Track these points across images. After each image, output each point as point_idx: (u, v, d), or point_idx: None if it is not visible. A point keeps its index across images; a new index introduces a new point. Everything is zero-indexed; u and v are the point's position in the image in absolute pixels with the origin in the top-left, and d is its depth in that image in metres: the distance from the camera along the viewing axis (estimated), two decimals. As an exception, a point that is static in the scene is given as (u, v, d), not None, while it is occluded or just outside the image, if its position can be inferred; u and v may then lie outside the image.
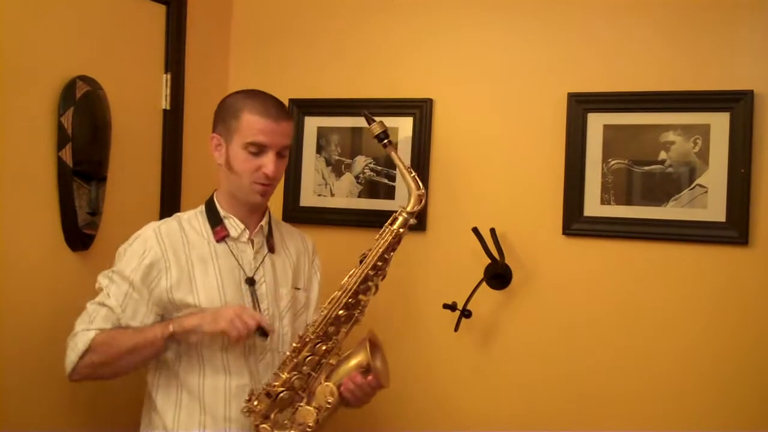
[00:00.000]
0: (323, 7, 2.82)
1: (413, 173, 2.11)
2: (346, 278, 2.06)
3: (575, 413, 2.50)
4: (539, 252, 2.54)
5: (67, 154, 2.16)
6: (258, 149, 2.00)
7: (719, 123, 2.33)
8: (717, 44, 2.37)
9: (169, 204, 2.58)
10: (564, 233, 2.50)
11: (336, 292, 2.04)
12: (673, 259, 2.40)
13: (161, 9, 2.57)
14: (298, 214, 2.77)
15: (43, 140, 2.13)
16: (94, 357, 1.91)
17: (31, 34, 2.08)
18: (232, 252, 2.06)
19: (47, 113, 2.14)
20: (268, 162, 2.01)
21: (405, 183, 2.11)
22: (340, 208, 2.76)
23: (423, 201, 2.09)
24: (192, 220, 2.09)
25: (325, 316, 2.02)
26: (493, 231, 2.52)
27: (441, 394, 2.64)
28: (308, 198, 2.79)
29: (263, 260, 2.11)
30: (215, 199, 2.11)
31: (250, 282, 2.06)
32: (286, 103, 2.74)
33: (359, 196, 2.74)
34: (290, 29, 2.85)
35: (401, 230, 2.08)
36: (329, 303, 2.03)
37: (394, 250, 2.09)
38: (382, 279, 2.08)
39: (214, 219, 2.08)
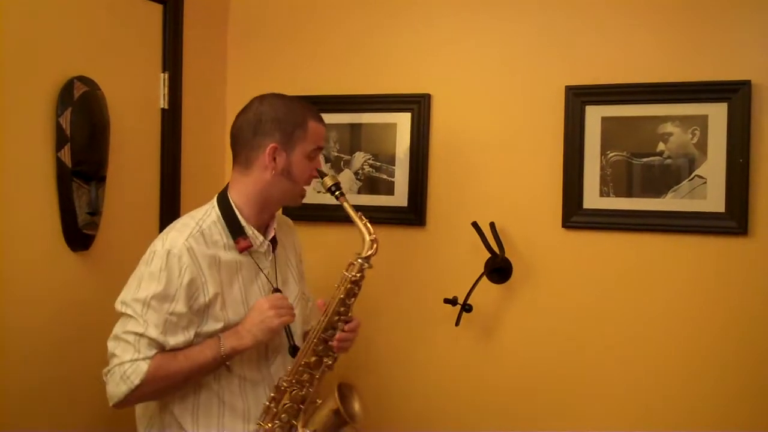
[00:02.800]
0: (320, 4, 2.82)
1: (364, 220, 2.11)
2: (313, 322, 2.14)
3: (577, 405, 2.51)
4: (539, 245, 2.54)
5: (65, 155, 2.16)
6: (318, 154, 2.10)
7: (717, 113, 2.33)
8: (714, 35, 2.37)
9: (169, 203, 2.59)
10: (563, 226, 2.50)
11: (303, 344, 2.07)
12: (673, 250, 2.40)
13: (158, 8, 2.57)
14: (298, 211, 2.77)
15: (41, 141, 2.13)
16: (147, 389, 1.86)
17: (28, 35, 2.08)
18: (254, 262, 2.06)
19: (45, 114, 2.13)
20: (320, 162, 2.14)
21: (358, 230, 2.10)
22: (339, 204, 2.76)
23: (375, 246, 2.08)
24: (212, 228, 2.01)
25: (297, 364, 2.03)
26: (492, 225, 2.52)
27: (442, 388, 2.65)
28: (308, 195, 2.77)
29: (275, 262, 2.13)
30: (233, 204, 2.04)
31: (278, 291, 2.09)
32: (284, 100, 2.77)
33: (359, 192, 2.75)
34: (287, 27, 2.85)
35: (358, 275, 2.06)
36: (299, 352, 2.06)
37: (355, 295, 2.09)
38: (347, 324, 2.09)
39: (236, 228, 2.02)
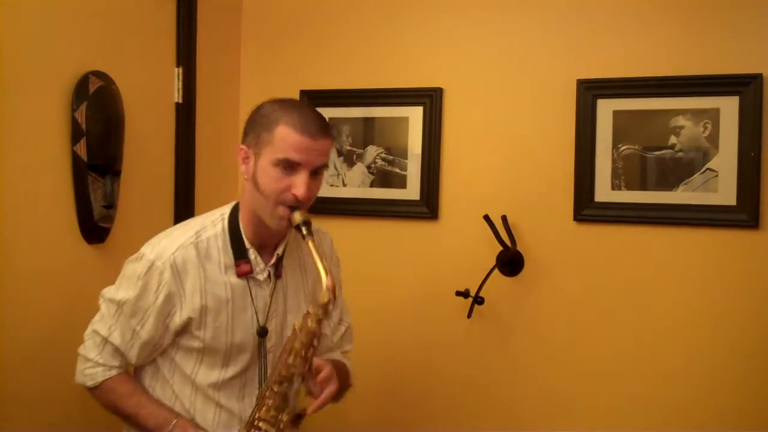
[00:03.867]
0: (333, -1, 2.84)
1: (324, 263, 1.81)
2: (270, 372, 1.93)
3: (588, 398, 2.52)
4: (550, 238, 2.56)
5: (81, 149, 2.18)
6: (289, 167, 1.79)
7: (729, 107, 2.34)
8: (726, 29, 2.38)
9: (183, 196, 2.61)
10: (575, 219, 2.52)
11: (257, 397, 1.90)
12: (685, 243, 2.42)
13: (172, 3, 2.59)
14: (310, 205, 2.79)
15: (57, 135, 2.15)
16: (100, 398, 1.90)
17: (43, 31, 2.10)
18: (248, 291, 1.91)
19: (61, 109, 2.16)
20: (300, 182, 1.78)
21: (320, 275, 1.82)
22: (353, 197, 2.78)
23: (332, 293, 1.79)
24: (211, 243, 1.89)
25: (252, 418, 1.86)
26: (504, 218, 2.54)
27: (454, 380, 2.67)
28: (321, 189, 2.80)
29: (274, 290, 1.95)
30: (240, 221, 1.91)
31: (262, 333, 1.92)
32: (297, 95, 2.79)
33: (371, 186, 2.76)
34: (300, 21, 2.87)
35: (314, 326, 1.81)
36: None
37: (314, 348, 1.83)
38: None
39: (239, 249, 1.89)
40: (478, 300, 2.55)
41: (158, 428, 1.84)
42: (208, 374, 1.91)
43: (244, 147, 1.87)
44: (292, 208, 1.80)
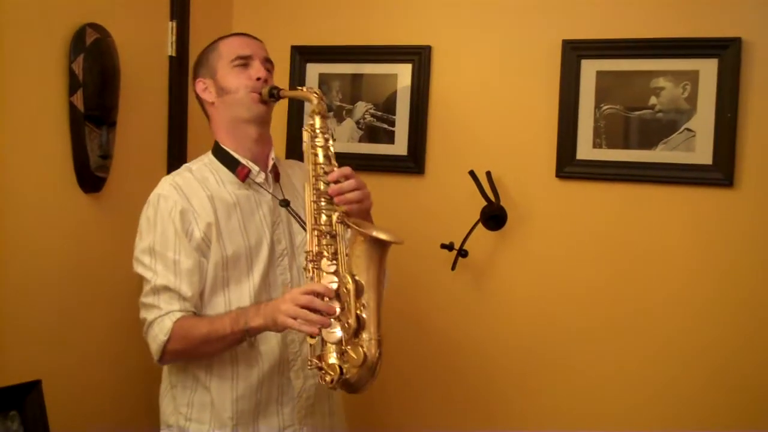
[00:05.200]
0: (324, -46, 2.87)
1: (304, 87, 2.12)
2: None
3: (564, 347, 2.61)
4: (533, 194, 2.63)
5: (78, 100, 2.22)
6: (244, 61, 2.06)
7: (708, 69, 2.40)
8: (708, -8, 2.43)
9: (176, 147, 2.66)
10: (557, 176, 2.58)
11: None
12: (662, 200, 2.49)
13: (165, -44, 2.63)
14: (299, 159, 2.84)
15: (55, 86, 2.19)
16: (175, 345, 1.93)
17: (41, -17, 2.14)
18: (252, 197, 2.06)
19: (58, 60, 2.19)
20: (256, 67, 2.07)
21: (304, 98, 2.14)
22: (342, 152, 2.78)
23: (318, 94, 2.04)
24: (203, 170, 2.07)
25: (309, 234, 1.95)
26: (489, 174, 2.60)
27: (438, 328, 2.75)
28: (342, 145, 2.85)
29: (281, 192, 2.11)
30: (222, 146, 2.09)
31: (285, 203, 2.07)
32: (288, 50, 2.84)
33: (360, 141, 2.82)
34: (292, -24, 2.90)
35: (319, 131, 2.01)
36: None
37: (327, 150, 2.01)
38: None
39: (230, 162, 2.07)
40: (462, 253, 2.63)
41: (235, 325, 1.90)
42: (239, 291, 2.01)
43: (200, 80, 2.13)
44: (260, 93, 2.05)
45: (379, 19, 2.79)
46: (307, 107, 2.80)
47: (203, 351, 1.97)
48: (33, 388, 2.02)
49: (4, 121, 2.04)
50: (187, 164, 2.14)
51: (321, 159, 1.98)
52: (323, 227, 1.93)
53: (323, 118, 2.03)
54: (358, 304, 1.87)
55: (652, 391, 2.52)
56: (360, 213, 1.99)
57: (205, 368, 2.02)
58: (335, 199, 1.93)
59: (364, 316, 1.87)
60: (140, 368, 2.40)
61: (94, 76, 2.24)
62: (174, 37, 2.65)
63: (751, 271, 2.41)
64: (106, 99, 2.30)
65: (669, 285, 2.50)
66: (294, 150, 2.84)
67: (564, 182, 2.59)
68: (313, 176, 1.97)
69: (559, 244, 2.61)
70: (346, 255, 1.92)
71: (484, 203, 2.60)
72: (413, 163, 2.75)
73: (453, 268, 2.64)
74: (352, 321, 1.85)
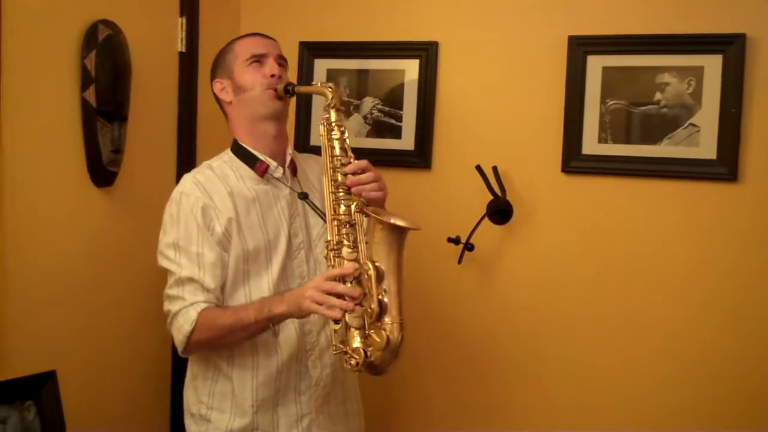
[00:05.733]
0: (332, -50, 2.89)
1: (319, 82, 2.16)
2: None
3: (569, 340, 2.64)
4: (539, 189, 2.65)
5: (90, 95, 2.25)
6: (258, 59, 2.12)
7: (712, 65, 2.42)
8: (713, -12, 2.45)
9: (186, 141, 2.69)
10: (563, 171, 2.61)
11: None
12: (667, 195, 2.51)
13: (175, -47, 2.65)
14: (308, 151, 2.87)
15: (68, 81, 2.23)
16: (200, 336, 1.97)
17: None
18: (270, 190, 2.12)
19: (71, 56, 2.23)
20: (272, 65, 2.12)
21: (320, 94, 2.14)
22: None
23: (333, 90, 2.09)
24: (223, 167, 2.13)
25: (330, 225, 2.01)
26: (495, 169, 2.63)
27: (445, 321, 2.78)
28: (318, 138, 2.87)
29: (299, 186, 2.17)
30: (241, 143, 2.15)
31: (304, 196, 2.14)
32: (297, 45, 2.87)
33: (367, 136, 2.85)
34: (300, -27, 2.92)
35: (334, 123, 2.08)
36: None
37: (344, 141, 2.07)
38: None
39: (249, 158, 2.12)
40: (469, 246, 2.65)
41: (259, 314, 1.95)
42: (259, 284, 2.06)
43: (217, 80, 2.19)
44: (276, 89, 2.11)
45: (386, 15, 2.81)
46: (316, 101, 2.87)
47: (227, 341, 2.02)
48: (48, 378, 2.06)
49: (19, 116, 2.07)
50: (207, 162, 2.18)
51: (338, 151, 2.05)
52: (343, 217, 2.00)
53: (338, 111, 2.09)
54: (379, 289, 1.93)
55: (657, 381, 2.54)
56: (377, 203, 2.06)
57: (227, 358, 2.08)
58: (353, 190, 2.00)
59: (385, 300, 1.94)
60: (155, 360, 2.44)
61: (106, 71, 2.28)
62: (184, 33, 2.68)
63: (755, 263, 2.43)
64: (117, 94, 2.33)
65: (673, 278, 2.52)
66: (302, 143, 2.88)
67: (570, 177, 2.61)
68: (330, 168, 2.04)
69: (564, 238, 2.63)
70: (366, 242, 1.98)
71: (491, 197, 2.62)
72: (420, 157, 2.77)
73: (459, 261, 2.67)
74: (374, 306, 1.92)
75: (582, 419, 2.63)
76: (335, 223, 2.00)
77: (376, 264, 1.95)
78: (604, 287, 2.59)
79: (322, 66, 2.88)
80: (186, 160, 2.66)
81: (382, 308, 1.94)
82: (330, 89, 2.09)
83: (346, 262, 1.96)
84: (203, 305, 1.99)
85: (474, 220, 2.63)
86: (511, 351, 2.71)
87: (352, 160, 2.05)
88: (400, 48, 2.78)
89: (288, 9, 2.93)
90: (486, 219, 2.63)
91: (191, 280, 2.00)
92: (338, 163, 2.03)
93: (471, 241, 2.65)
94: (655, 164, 2.50)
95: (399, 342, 1.95)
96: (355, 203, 2.00)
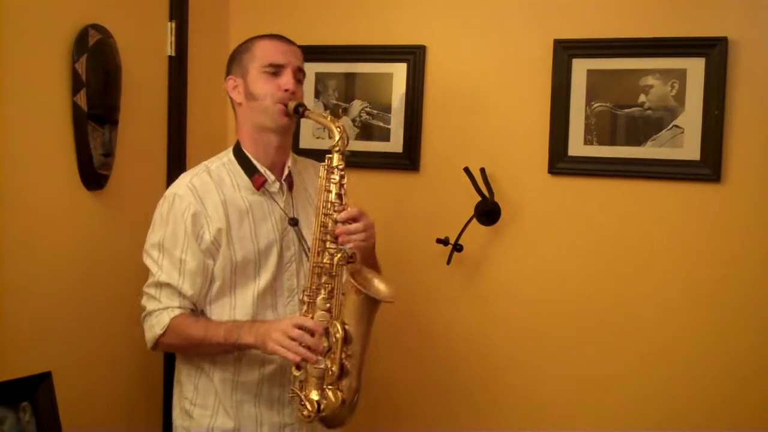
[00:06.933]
0: (320, -45, 2.90)
1: (329, 116, 2.11)
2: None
3: (557, 341, 2.66)
4: (526, 190, 2.68)
5: (81, 99, 2.26)
6: (275, 69, 2.08)
7: (695, 68, 2.46)
8: (695, -8, 2.49)
9: (176, 145, 2.70)
10: (549, 172, 2.64)
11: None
12: (651, 195, 2.55)
13: (164, -42, 2.67)
14: (301, 154, 2.89)
15: (59, 86, 2.23)
16: (169, 340, 2.03)
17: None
18: (265, 204, 2.12)
19: (62, 60, 2.24)
20: (286, 79, 2.07)
21: (327, 128, 2.13)
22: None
23: (341, 133, 2.04)
24: (221, 171, 2.13)
25: (309, 268, 2.03)
26: (483, 170, 2.65)
27: (433, 321, 2.80)
28: (308, 141, 2.91)
29: (291, 202, 2.17)
30: (243, 148, 2.14)
31: (294, 222, 2.14)
32: (285, 49, 2.88)
33: (356, 139, 2.86)
34: (289, -23, 2.94)
35: (336, 166, 2.05)
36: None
37: (341, 187, 2.05)
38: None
39: (249, 168, 2.12)
40: (457, 247, 2.68)
41: (228, 337, 1.97)
42: (244, 294, 2.07)
43: (231, 77, 2.15)
44: (286, 104, 2.07)
45: (374, 19, 2.84)
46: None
47: (193, 352, 2.07)
48: (44, 379, 2.06)
49: (10, 120, 2.08)
50: (206, 162, 2.18)
51: (333, 197, 2.03)
52: (325, 265, 2.01)
53: (342, 155, 2.05)
54: (343, 352, 1.97)
55: (643, 384, 2.57)
56: (364, 251, 2.06)
57: (209, 359, 2.09)
58: (339, 239, 1.99)
59: (347, 364, 1.97)
60: (148, 360, 2.45)
61: (96, 75, 2.29)
62: (173, 38, 2.70)
63: (738, 262, 2.47)
64: (108, 98, 2.35)
65: (658, 277, 2.55)
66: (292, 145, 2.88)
67: (556, 178, 2.64)
68: (322, 213, 2.03)
69: (551, 238, 2.66)
70: (342, 294, 2.02)
71: (479, 199, 2.65)
72: (408, 160, 2.80)
73: (448, 262, 2.69)
74: (336, 368, 1.95)
75: (571, 420, 2.66)
76: (316, 270, 2.01)
77: (346, 327, 1.98)
78: (592, 287, 2.62)
79: (310, 70, 2.87)
80: (176, 163, 2.68)
81: (343, 372, 1.98)
82: (339, 129, 2.04)
83: (318, 311, 1.99)
84: (177, 311, 2.02)
85: (462, 221, 2.66)
86: (501, 351, 2.73)
87: (346, 207, 2.03)
88: (388, 52, 2.81)
89: (276, 13, 2.94)
90: (474, 220, 2.66)
91: (169, 285, 2.03)
92: (331, 209, 2.02)
93: (460, 242, 2.67)
94: (640, 165, 2.54)
95: (354, 406, 2.00)
96: (339, 255, 2.00)
